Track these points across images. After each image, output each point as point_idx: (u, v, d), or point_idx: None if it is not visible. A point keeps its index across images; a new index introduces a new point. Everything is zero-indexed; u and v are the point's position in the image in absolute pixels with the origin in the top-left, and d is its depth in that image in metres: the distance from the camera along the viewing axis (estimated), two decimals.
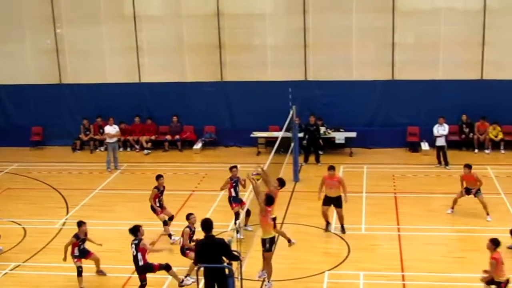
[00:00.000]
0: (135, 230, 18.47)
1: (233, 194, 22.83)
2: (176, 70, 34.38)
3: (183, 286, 18.95)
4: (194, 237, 19.35)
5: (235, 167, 23.15)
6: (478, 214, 23.90)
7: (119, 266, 20.42)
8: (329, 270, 19.84)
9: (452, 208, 24.21)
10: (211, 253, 15.97)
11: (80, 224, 19.58)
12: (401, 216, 24.14)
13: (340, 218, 22.64)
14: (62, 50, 34.98)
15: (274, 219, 19.35)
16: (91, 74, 34.82)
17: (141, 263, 18.26)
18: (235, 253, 16.27)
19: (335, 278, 19.41)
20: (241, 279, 15.73)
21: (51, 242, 22.68)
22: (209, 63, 34.02)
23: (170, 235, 22.41)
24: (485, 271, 16.85)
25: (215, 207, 25.04)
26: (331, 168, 22.73)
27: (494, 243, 16.90)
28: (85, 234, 19.65)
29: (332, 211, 22.69)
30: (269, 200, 18.59)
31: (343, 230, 22.58)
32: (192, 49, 34.05)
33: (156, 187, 22.62)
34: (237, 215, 22.02)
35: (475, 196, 23.67)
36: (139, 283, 18.49)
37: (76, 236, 19.38)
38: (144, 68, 34.52)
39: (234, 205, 22.67)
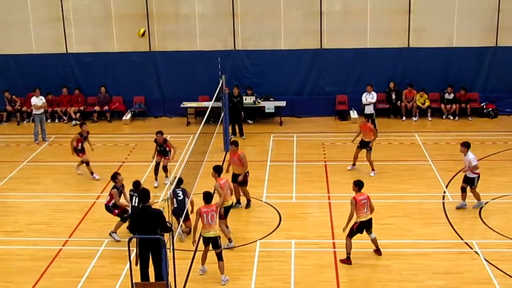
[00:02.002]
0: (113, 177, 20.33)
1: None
2: (103, 40, 33.86)
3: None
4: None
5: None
6: (406, 181, 24.32)
7: (48, 238, 20.25)
8: (261, 239, 19.93)
9: (353, 164, 25.60)
10: (147, 223, 15.88)
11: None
12: (331, 184, 24.34)
13: (245, 194, 22.29)
14: None
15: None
16: (17, 45, 34.07)
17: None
18: (168, 224, 16.23)
19: (267, 246, 19.50)
20: (173, 249, 15.69)
21: None
22: (136, 33, 33.54)
23: (92, 173, 25.21)
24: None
25: (146, 178, 24.88)
26: (234, 143, 22.17)
27: (357, 185, 18.75)
28: None
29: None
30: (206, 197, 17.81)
31: (247, 205, 22.35)
32: (119, 19, 33.54)
33: (79, 133, 25.21)
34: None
35: (362, 149, 25.22)
36: (67, 257, 19.12)
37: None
38: (71, 39, 33.93)
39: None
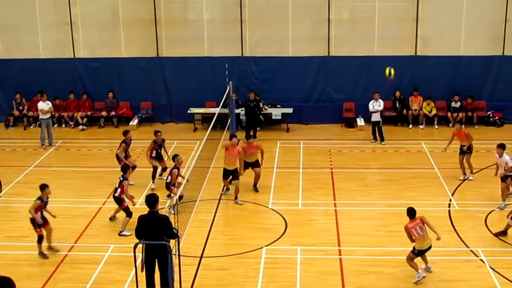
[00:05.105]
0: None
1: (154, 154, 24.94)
2: (111, 45, 33.93)
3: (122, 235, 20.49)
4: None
5: (159, 131, 25.29)
6: (413, 188, 24.30)
7: (54, 244, 20.19)
8: (267, 245, 19.90)
9: (464, 174, 25.39)
10: (153, 229, 15.82)
11: (44, 187, 19.58)
12: (337, 191, 24.31)
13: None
14: None
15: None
16: (24, 49, 34.11)
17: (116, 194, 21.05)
18: (174, 230, 16.23)
19: (273, 253, 19.46)
20: (179, 255, 15.71)
21: None
22: (144, 38, 33.68)
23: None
24: None
25: (152, 184, 24.90)
26: (249, 137, 24.77)
27: None
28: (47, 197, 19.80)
29: None
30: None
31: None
32: (127, 24, 33.61)
33: (123, 141, 25.25)
34: (154, 169, 24.86)
35: (464, 155, 25.19)
36: (72, 262, 19.13)
37: (40, 198, 19.50)
38: (79, 44, 34.01)
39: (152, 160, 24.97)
